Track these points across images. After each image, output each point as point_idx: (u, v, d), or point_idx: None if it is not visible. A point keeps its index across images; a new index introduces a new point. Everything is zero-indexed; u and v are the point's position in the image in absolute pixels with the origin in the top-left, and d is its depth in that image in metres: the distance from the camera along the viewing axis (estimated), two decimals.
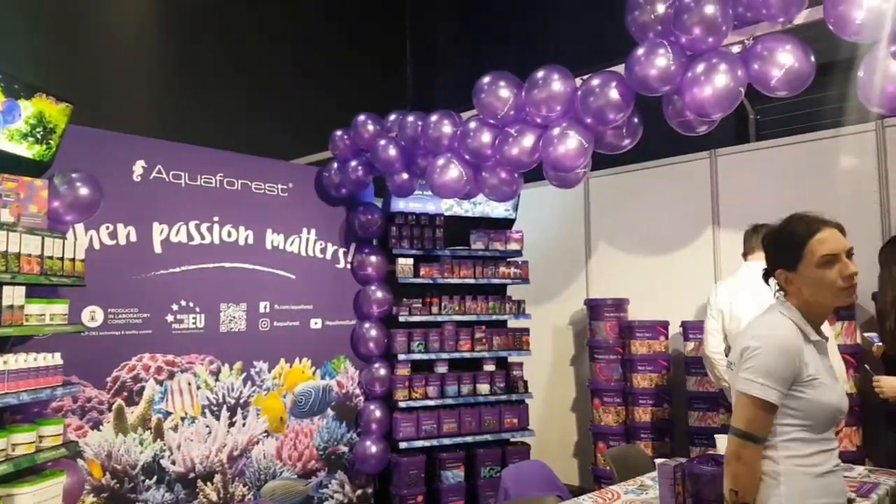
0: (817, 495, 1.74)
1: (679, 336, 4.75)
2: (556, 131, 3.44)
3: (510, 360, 5.16)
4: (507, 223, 5.39)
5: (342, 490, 4.69)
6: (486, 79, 3.64)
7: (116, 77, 5.66)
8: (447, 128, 3.93)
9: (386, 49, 8.34)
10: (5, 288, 2.79)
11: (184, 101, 6.09)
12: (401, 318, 4.78)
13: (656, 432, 4.75)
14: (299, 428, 4.51)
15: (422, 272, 4.85)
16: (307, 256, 4.64)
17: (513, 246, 5.16)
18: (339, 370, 4.74)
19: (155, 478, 3.86)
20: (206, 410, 4.10)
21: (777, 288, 1.90)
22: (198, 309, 4.11)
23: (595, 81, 3.31)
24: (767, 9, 2.78)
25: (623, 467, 3.19)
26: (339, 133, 4.59)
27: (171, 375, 3.97)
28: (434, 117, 3.98)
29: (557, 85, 3.42)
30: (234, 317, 4.27)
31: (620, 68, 3.23)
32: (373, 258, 4.81)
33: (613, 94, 3.24)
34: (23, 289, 2.88)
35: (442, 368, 4.86)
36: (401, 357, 4.72)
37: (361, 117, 4.45)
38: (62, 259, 3.10)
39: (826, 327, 1.96)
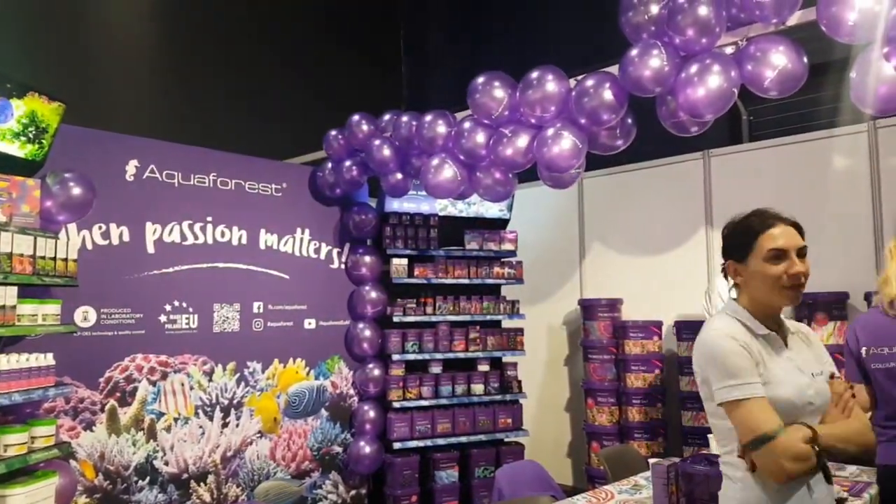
0: (782, 500, 1.65)
1: (672, 336, 4.77)
2: (551, 132, 3.44)
3: (504, 360, 5.17)
4: (501, 223, 5.39)
5: (336, 491, 4.68)
6: (481, 79, 3.64)
7: (109, 76, 5.64)
8: (442, 128, 3.93)
9: (380, 49, 8.34)
10: None
11: (177, 101, 6.07)
12: (395, 319, 4.78)
13: (650, 432, 4.76)
14: (293, 428, 4.50)
15: (416, 272, 4.84)
16: (301, 256, 4.64)
17: (507, 246, 5.16)
18: (333, 370, 4.74)
19: (148, 479, 3.84)
20: (200, 411, 4.09)
21: (731, 285, 1.86)
22: (191, 309, 4.10)
23: (589, 82, 3.32)
24: (761, 10, 2.79)
25: (617, 467, 3.20)
26: (333, 133, 4.58)
27: (165, 376, 3.96)
28: (428, 117, 3.98)
29: (552, 85, 3.43)
30: (227, 317, 4.26)
31: (614, 69, 3.24)
32: (367, 258, 4.81)
33: (607, 94, 3.25)
34: (15, 289, 2.86)
35: (436, 369, 4.86)
36: (395, 357, 4.72)
37: (356, 117, 4.45)
38: (54, 259, 3.09)
39: (799, 325, 1.90)
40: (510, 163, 3.67)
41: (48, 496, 2.95)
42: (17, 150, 3.07)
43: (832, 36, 2.70)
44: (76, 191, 3.28)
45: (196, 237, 4.15)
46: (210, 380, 4.15)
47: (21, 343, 3.24)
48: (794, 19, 2.83)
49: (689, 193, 4.96)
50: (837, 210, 4.25)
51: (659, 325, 4.85)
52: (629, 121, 3.53)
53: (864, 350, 2.67)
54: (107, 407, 3.73)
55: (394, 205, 4.93)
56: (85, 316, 3.69)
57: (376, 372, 4.73)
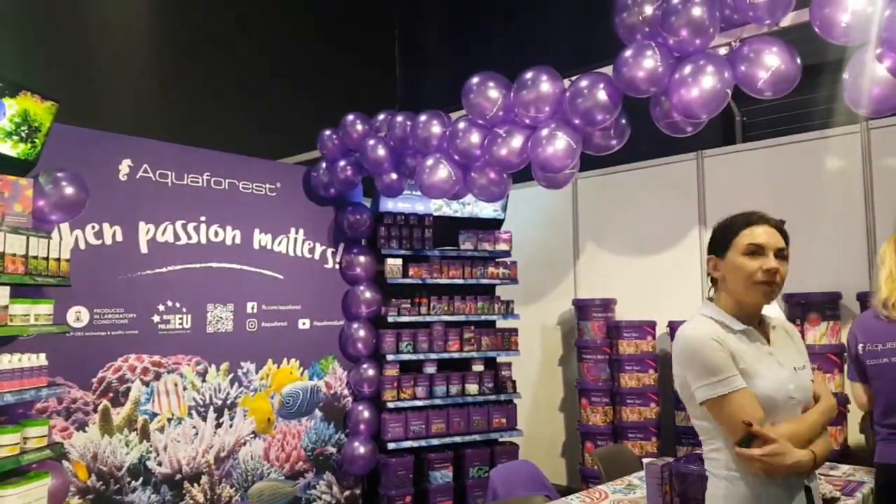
0: (767, 497, 1.65)
1: (666, 336, 4.78)
2: (545, 132, 3.45)
3: (499, 360, 5.17)
4: (495, 223, 5.40)
5: (330, 491, 4.67)
6: (475, 79, 3.64)
7: (102, 75, 5.62)
8: (436, 128, 3.93)
9: (375, 49, 8.33)
10: None
11: (170, 100, 6.05)
12: (389, 319, 4.77)
13: (644, 432, 4.77)
14: (287, 429, 4.49)
15: (410, 272, 4.84)
16: (295, 256, 4.63)
17: (501, 246, 5.16)
18: (327, 371, 4.73)
19: (141, 479, 3.83)
20: (193, 411, 4.08)
21: (709, 286, 1.89)
22: (184, 309, 4.09)
23: (583, 83, 3.32)
24: (754, 11, 2.80)
25: (611, 467, 3.20)
26: (327, 132, 4.58)
27: (158, 376, 3.94)
28: (423, 117, 3.98)
29: (546, 86, 3.43)
30: (221, 317, 4.25)
31: (608, 70, 3.25)
32: (361, 258, 4.80)
33: (601, 95, 3.25)
34: (7, 289, 2.85)
35: (430, 369, 4.86)
36: (389, 357, 4.72)
37: (350, 117, 4.45)
38: (47, 259, 3.07)
39: (781, 320, 1.91)
40: (505, 163, 3.68)
41: (41, 497, 2.93)
42: (10, 149, 3.05)
43: (825, 37, 2.71)
44: (69, 190, 3.27)
45: (189, 237, 4.14)
46: (203, 380, 4.14)
47: (13, 343, 3.23)
48: (787, 20, 2.84)
49: (682, 194, 4.98)
50: (831, 210, 4.27)
51: (653, 325, 4.86)
52: (623, 121, 3.54)
53: (860, 347, 2.70)
54: (100, 407, 3.71)
55: (388, 205, 4.93)
56: (78, 316, 3.67)
57: (371, 372, 4.72)
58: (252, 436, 4.32)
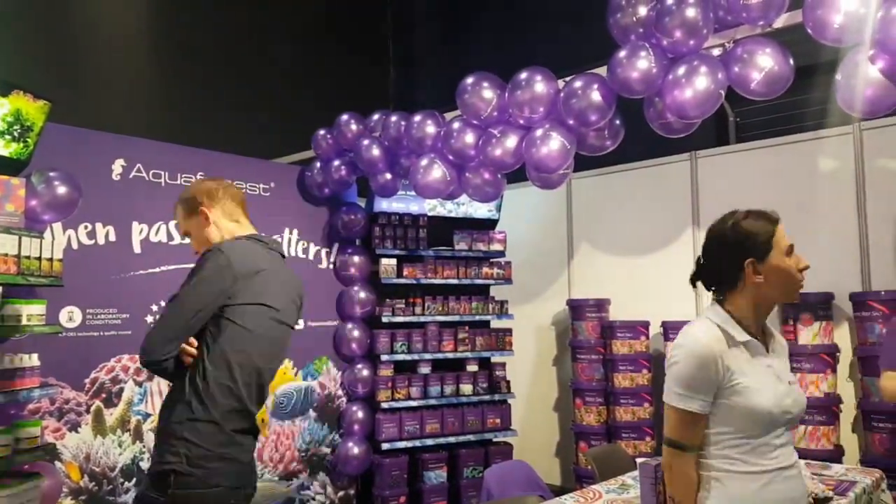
0: (754, 502, 1.68)
1: (660, 336, 4.79)
2: (539, 132, 3.45)
3: (493, 360, 5.17)
4: (490, 224, 5.40)
5: (324, 492, 4.67)
6: (470, 80, 3.65)
7: (95, 74, 5.59)
8: (430, 128, 3.93)
9: (369, 49, 8.31)
10: None
11: (164, 100, 6.03)
12: (384, 319, 4.77)
13: (637, 432, 4.78)
14: (281, 429, 4.48)
15: (405, 272, 4.84)
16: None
17: (496, 246, 5.17)
18: (321, 371, 4.72)
19: (134, 480, 3.81)
20: None
21: (713, 290, 1.88)
22: None
23: (577, 83, 3.33)
24: (747, 12, 2.81)
25: (604, 467, 3.21)
26: (321, 132, 4.57)
27: (151, 377, 3.93)
28: (417, 117, 3.98)
29: (540, 86, 3.44)
30: None
31: (602, 70, 3.25)
32: (356, 258, 4.80)
33: (595, 96, 3.26)
34: None
35: (425, 369, 4.86)
36: (384, 358, 4.71)
37: (344, 117, 4.44)
38: (39, 259, 3.05)
39: (775, 331, 1.92)
40: (499, 163, 3.68)
41: (33, 498, 2.92)
42: (2, 148, 3.03)
43: (818, 38, 2.72)
44: (62, 190, 3.25)
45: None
46: None
47: (5, 344, 3.20)
48: (780, 21, 2.85)
49: (676, 194, 4.99)
50: (823, 211, 4.28)
51: (646, 325, 4.87)
52: (617, 122, 3.54)
53: None
54: (92, 408, 3.69)
55: (383, 205, 4.92)
56: (70, 316, 3.65)
57: (365, 372, 4.72)
58: None
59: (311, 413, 4.65)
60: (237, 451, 2.02)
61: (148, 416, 3.89)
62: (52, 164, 3.30)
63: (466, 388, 4.91)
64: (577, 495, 2.68)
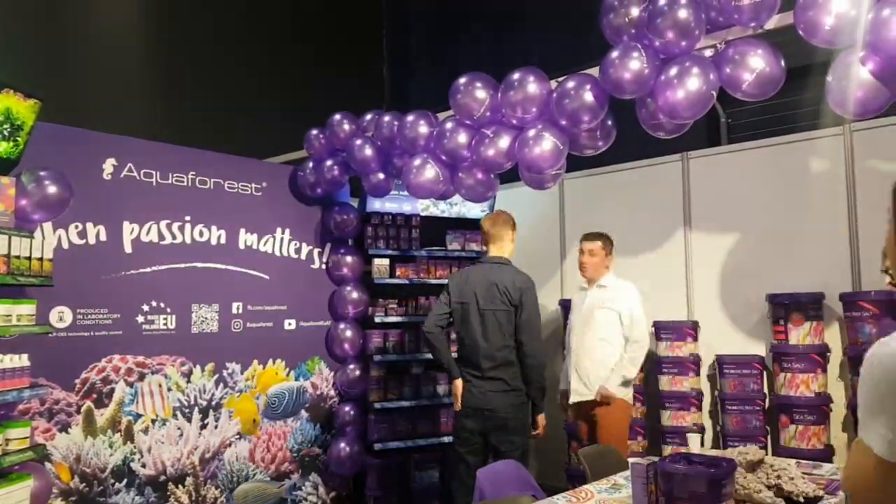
0: None
1: (651, 336, 4.80)
2: (532, 133, 3.46)
3: None
4: None
5: (316, 492, 4.66)
6: (463, 80, 3.65)
7: (86, 73, 5.57)
8: (423, 128, 3.92)
9: (362, 49, 8.31)
10: None
11: (155, 99, 6.01)
12: (376, 319, 4.76)
13: (629, 431, 4.78)
14: (272, 430, 4.47)
15: (398, 272, 4.83)
16: (281, 256, 4.61)
17: None
18: (313, 371, 4.71)
19: (125, 481, 3.80)
20: (178, 412, 4.05)
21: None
22: (169, 310, 4.06)
23: (570, 84, 3.33)
24: (739, 13, 2.82)
25: (596, 466, 3.21)
26: (314, 132, 4.56)
27: (142, 377, 3.91)
28: (410, 117, 3.97)
29: (533, 87, 3.44)
30: (206, 317, 4.22)
31: (595, 71, 3.26)
32: (348, 258, 4.79)
33: (588, 96, 3.26)
34: None
35: (417, 370, 4.85)
36: (376, 358, 4.71)
37: (337, 116, 4.43)
38: (29, 258, 3.04)
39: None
40: (492, 163, 3.68)
41: (23, 499, 2.90)
42: None
43: (809, 40, 2.74)
44: (52, 189, 3.23)
45: (174, 237, 4.11)
46: (188, 381, 4.11)
47: None
48: (771, 23, 2.87)
49: (667, 195, 5.00)
50: (814, 212, 4.30)
51: None
52: (609, 122, 3.55)
53: None
54: (83, 408, 3.67)
55: (375, 205, 4.92)
56: (60, 316, 3.63)
57: (357, 373, 4.71)
58: (237, 437, 4.29)
59: (304, 413, 4.64)
60: None
61: (139, 416, 3.87)
62: (43, 164, 3.28)
63: None
64: (569, 495, 2.68)
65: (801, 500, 2.36)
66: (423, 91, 8.13)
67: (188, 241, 4.16)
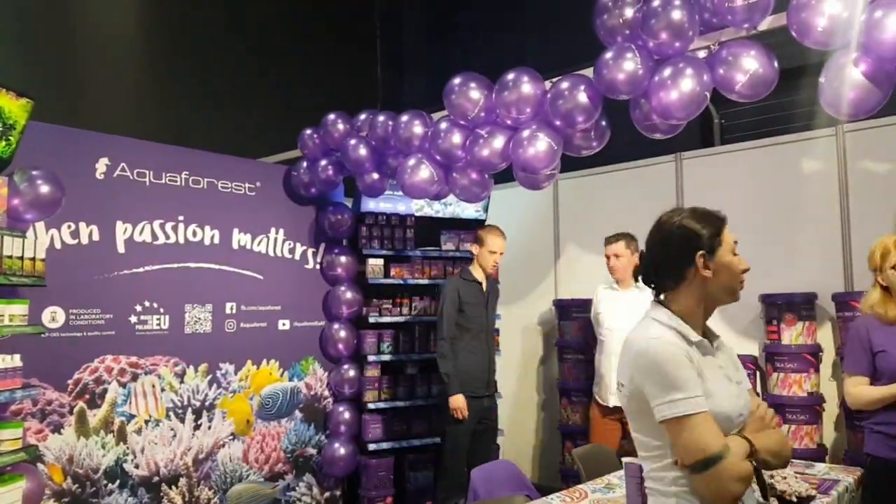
0: None
1: None
2: (526, 133, 3.46)
3: None
4: (477, 224, 5.38)
5: (310, 493, 4.65)
6: (457, 80, 3.65)
7: (79, 73, 5.54)
8: (418, 128, 3.92)
9: (356, 48, 8.30)
10: None
11: (149, 98, 5.98)
12: (371, 319, 4.76)
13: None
14: (266, 430, 4.46)
15: (392, 273, 4.83)
16: (275, 256, 4.59)
17: None
18: (307, 372, 4.70)
19: (118, 482, 3.78)
20: (171, 413, 4.03)
21: (653, 289, 1.76)
22: (162, 310, 4.04)
23: (564, 84, 3.34)
24: (733, 15, 2.83)
25: (590, 466, 3.22)
26: (308, 132, 4.55)
27: (135, 377, 3.90)
28: (405, 117, 3.97)
29: (527, 87, 3.44)
30: (199, 318, 4.20)
31: (589, 72, 3.26)
32: (342, 258, 4.78)
33: (582, 97, 3.27)
34: None
35: (412, 370, 4.85)
36: (370, 358, 4.70)
37: (331, 116, 4.42)
38: (22, 258, 3.02)
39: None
40: (486, 164, 3.68)
41: (15, 500, 2.88)
42: None
43: (802, 41, 2.75)
44: (44, 189, 3.22)
45: (167, 237, 4.09)
46: (181, 381, 4.09)
47: None
48: (765, 24, 2.87)
49: (661, 195, 5.01)
50: (806, 212, 4.32)
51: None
52: (603, 123, 3.56)
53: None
54: (75, 409, 3.66)
55: (370, 205, 4.91)
56: (53, 316, 3.61)
57: (351, 373, 4.70)
58: (231, 437, 4.28)
59: (298, 414, 4.63)
60: None
61: (132, 417, 3.86)
62: (35, 163, 3.27)
63: None
64: (563, 495, 2.69)
65: (794, 499, 2.37)
66: (418, 91, 8.13)
67: (181, 240, 4.15)
